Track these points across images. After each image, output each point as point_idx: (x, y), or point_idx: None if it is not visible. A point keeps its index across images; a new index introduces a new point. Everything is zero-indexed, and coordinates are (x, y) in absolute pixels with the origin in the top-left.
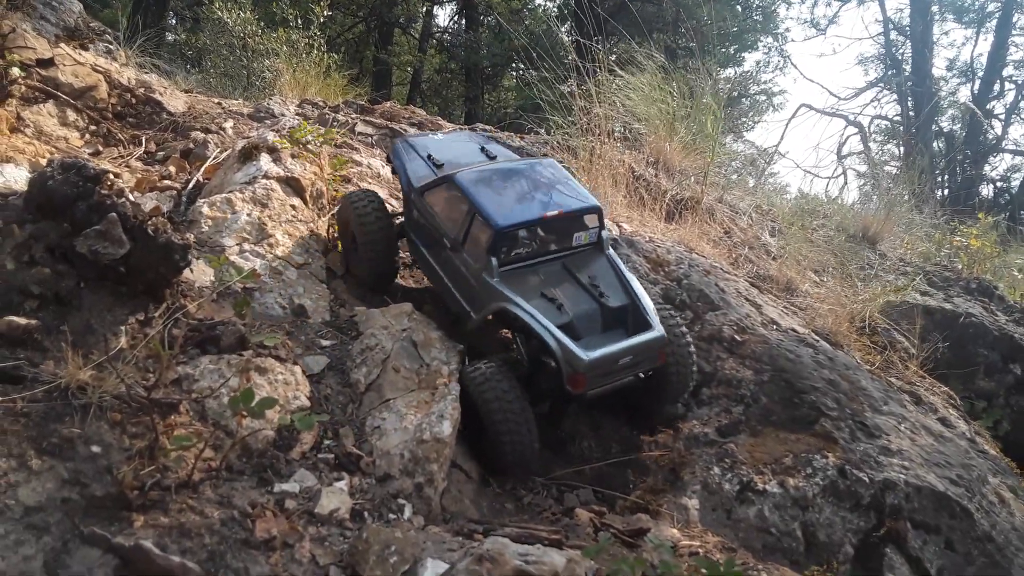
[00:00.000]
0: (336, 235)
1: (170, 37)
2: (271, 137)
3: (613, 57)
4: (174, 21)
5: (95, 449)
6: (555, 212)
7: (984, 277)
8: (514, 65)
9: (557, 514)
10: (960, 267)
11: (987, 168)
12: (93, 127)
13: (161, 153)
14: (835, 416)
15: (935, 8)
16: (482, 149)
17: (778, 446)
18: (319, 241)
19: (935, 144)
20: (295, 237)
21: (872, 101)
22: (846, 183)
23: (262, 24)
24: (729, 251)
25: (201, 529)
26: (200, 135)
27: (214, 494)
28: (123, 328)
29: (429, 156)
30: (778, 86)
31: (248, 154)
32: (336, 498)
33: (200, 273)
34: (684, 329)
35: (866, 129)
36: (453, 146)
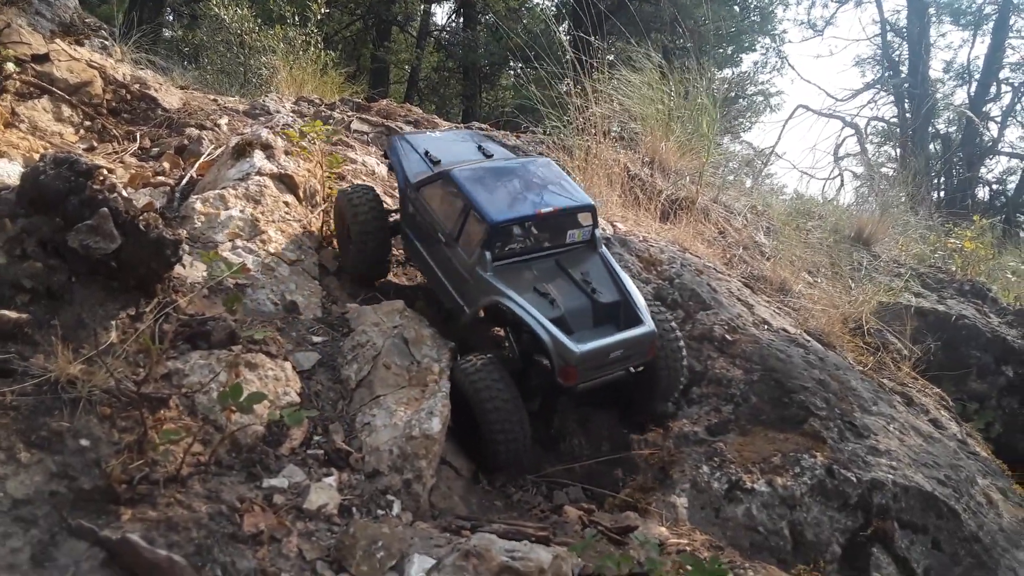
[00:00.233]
0: (329, 232)
1: (167, 33)
2: (265, 134)
3: (610, 57)
4: (171, 17)
5: (84, 443)
6: (549, 209)
7: (978, 279)
8: (511, 64)
9: (546, 511)
10: (954, 269)
11: (983, 170)
12: (88, 123)
13: (155, 149)
14: (824, 416)
15: (932, 10)
16: (479, 147)
17: (767, 445)
18: (312, 238)
19: (931, 146)
20: (288, 234)
21: (869, 103)
22: (842, 184)
23: (259, 21)
24: (723, 251)
25: (189, 523)
26: (195, 131)
27: (202, 488)
28: (114, 323)
29: (426, 153)
30: (775, 87)
31: (242, 151)
32: (324, 494)
33: (192, 269)
34: (675, 327)
35: (863, 131)
36: (450, 144)
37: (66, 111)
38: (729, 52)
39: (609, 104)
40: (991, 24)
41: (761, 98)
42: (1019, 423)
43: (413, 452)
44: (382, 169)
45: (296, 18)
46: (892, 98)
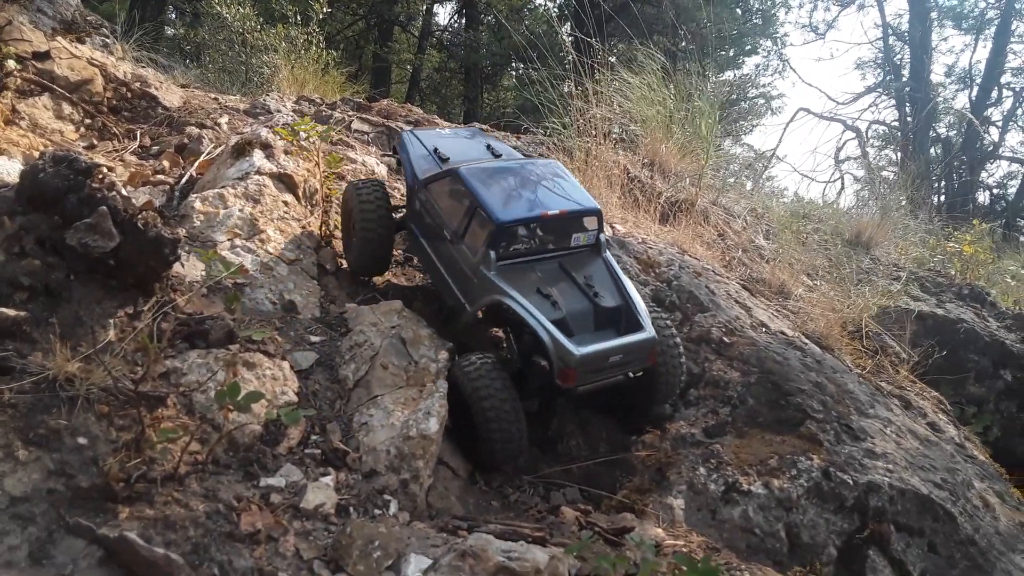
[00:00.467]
0: (328, 232)
1: (169, 32)
2: (265, 133)
3: (612, 59)
4: (173, 16)
5: (82, 441)
6: (555, 212)
7: (976, 283)
8: (513, 65)
9: (543, 512)
10: (953, 273)
11: (984, 175)
12: (88, 121)
13: (155, 148)
14: (821, 418)
15: (934, 14)
16: (488, 146)
17: (763, 447)
18: (311, 238)
19: (932, 150)
20: (287, 233)
21: (870, 106)
22: (843, 188)
23: (261, 20)
24: (723, 253)
25: (186, 522)
26: (195, 130)
27: (200, 487)
28: (112, 321)
29: (435, 150)
30: (776, 90)
31: (241, 150)
32: (322, 493)
33: (191, 268)
34: (674, 332)
35: (864, 134)
36: (459, 142)
37: (66, 109)
38: (731, 55)
39: (609, 106)
40: (993, 28)
41: (762, 101)
42: (1017, 427)
43: (410, 452)
44: (382, 169)
45: (298, 17)
46: (893, 102)
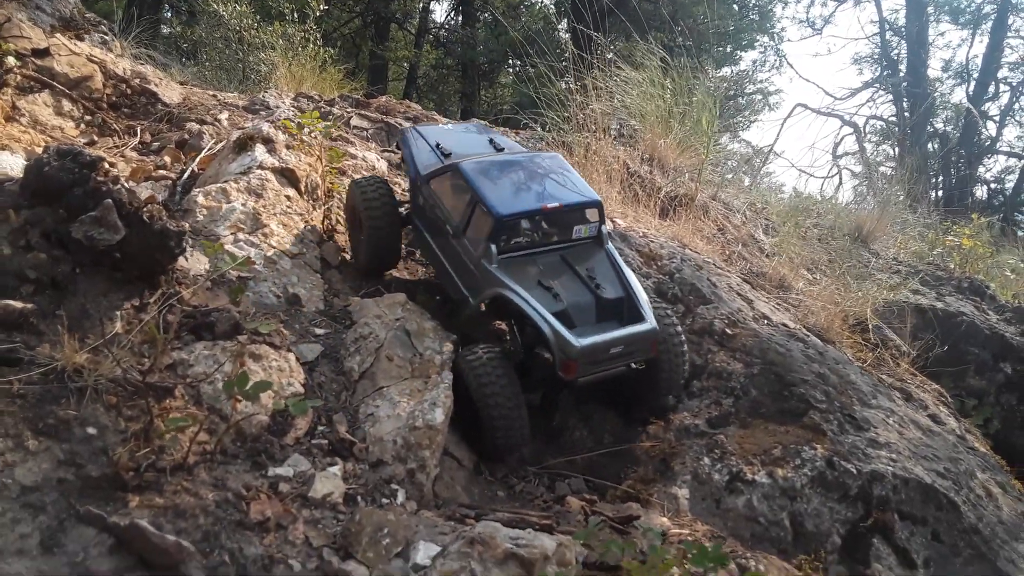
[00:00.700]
0: (331, 226)
1: (165, 30)
2: (266, 128)
3: (610, 55)
4: (169, 14)
5: (91, 431)
6: (555, 204)
7: (976, 276)
8: (510, 62)
9: (548, 502)
10: (952, 267)
11: (981, 169)
12: (88, 117)
13: (156, 144)
14: (824, 409)
15: (931, 9)
16: (490, 141)
17: (767, 437)
18: (314, 232)
19: (930, 145)
20: (290, 228)
21: (868, 101)
22: (841, 183)
23: (258, 17)
24: (723, 248)
25: (196, 510)
26: (195, 126)
27: (208, 476)
28: (118, 313)
29: (437, 145)
30: (774, 85)
31: (243, 144)
32: (330, 482)
33: (195, 262)
34: (676, 322)
35: (861, 129)
36: (462, 136)
37: (66, 105)
38: (728, 50)
39: (609, 101)
40: (990, 23)
41: (760, 97)
42: (1017, 420)
43: (416, 442)
44: (382, 165)
45: (295, 15)
46: (891, 97)
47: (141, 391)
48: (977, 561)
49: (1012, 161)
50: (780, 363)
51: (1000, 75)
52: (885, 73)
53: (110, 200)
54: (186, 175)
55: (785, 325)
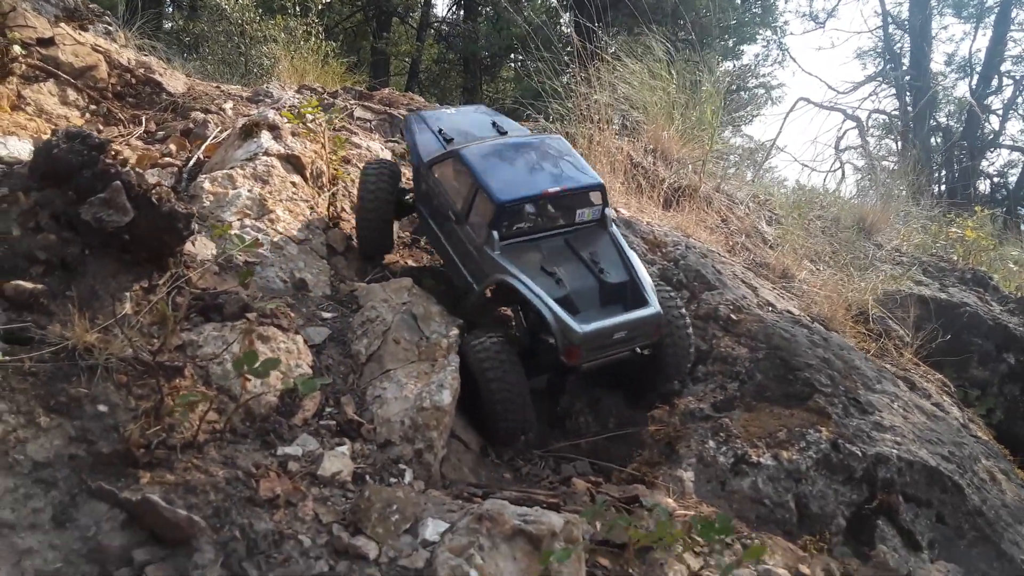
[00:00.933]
0: (336, 213)
1: (167, 24)
2: (272, 115)
3: (612, 49)
4: (170, 8)
5: (102, 408)
6: (557, 189)
7: (979, 268)
8: (513, 56)
9: (555, 483)
10: (956, 258)
11: (984, 163)
12: (93, 106)
13: (161, 133)
14: (829, 392)
15: (934, 2)
16: (493, 124)
17: (772, 421)
18: (320, 219)
19: (933, 139)
20: (295, 214)
21: (870, 95)
22: (844, 177)
23: (260, 11)
24: (726, 238)
25: (206, 487)
26: (200, 115)
27: (218, 455)
28: (128, 294)
29: (440, 130)
30: (776, 79)
31: (249, 131)
32: (338, 461)
33: (201, 247)
34: (683, 309)
35: (864, 123)
36: (464, 120)
37: (71, 95)
38: (730, 44)
39: (612, 92)
40: (993, 17)
41: (762, 90)
42: (1020, 410)
43: (424, 423)
44: (386, 154)
45: (297, 8)
46: (893, 91)
47: (151, 370)
48: (981, 543)
49: (1015, 155)
50: (785, 348)
51: (1003, 69)
52: (888, 67)
53: (119, 182)
54: (192, 162)
55: (789, 311)
